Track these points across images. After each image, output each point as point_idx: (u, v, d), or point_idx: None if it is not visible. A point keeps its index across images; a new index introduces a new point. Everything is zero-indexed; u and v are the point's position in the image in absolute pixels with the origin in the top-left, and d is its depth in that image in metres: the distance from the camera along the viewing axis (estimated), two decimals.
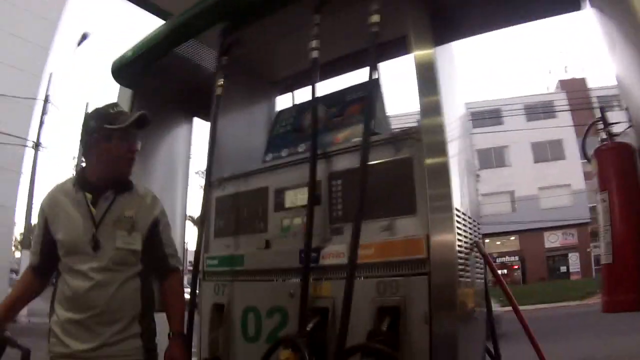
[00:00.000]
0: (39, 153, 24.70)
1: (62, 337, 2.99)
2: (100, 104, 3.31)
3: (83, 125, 3.22)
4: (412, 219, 2.80)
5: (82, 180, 3.21)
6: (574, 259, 44.48)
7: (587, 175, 41.48)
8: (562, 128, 42.77)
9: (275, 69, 4.75)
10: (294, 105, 4.43)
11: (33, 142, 24.57)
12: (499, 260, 43.14)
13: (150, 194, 3.41)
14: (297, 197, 3.34)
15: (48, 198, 3.26)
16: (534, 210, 43.08)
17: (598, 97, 38.20)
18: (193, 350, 3.53)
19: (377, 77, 3.41)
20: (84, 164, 3.33)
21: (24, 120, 25.69)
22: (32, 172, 24.49)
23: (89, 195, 3.14)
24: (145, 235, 3.23)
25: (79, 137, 3.24)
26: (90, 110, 3.34)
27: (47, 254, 3.19)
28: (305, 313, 2.96)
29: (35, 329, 15.12)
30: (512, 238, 45.89)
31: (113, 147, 3.14)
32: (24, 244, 22.96)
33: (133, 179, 3.39)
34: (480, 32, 3.80)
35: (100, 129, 3.13)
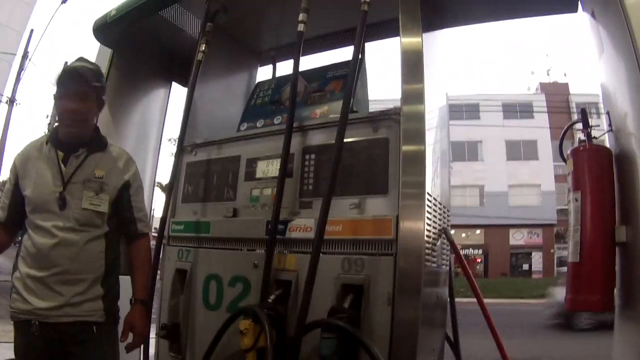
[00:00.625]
0: (13, 109, 24.26)
1: (23, 293, 2.95)
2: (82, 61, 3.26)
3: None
4: (383, 199, 2.79)
5: (54, 137, 3.16)
6: (537, 258, 44.97)
7: (557, 178, 41.92)
8: (537, 129, 43.15)
9: (258, 39, 4.72)
10: (274, 77, 4.39)
11: (8, 97, 24.12)
12: (462, 252, 43.20)
13: (124, 155, 3.34)
14: (269, 168, 3.33)
15: (21, 154, 3.22)
16: (502, 207, 43.47)
17: (577, 103, 38.65)
18: (153, 316, 3.50)
19: (361, 56, 3.38)
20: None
21: (0, 76, 25.34)
22: (4, 129, 24.06)
23: (60, 153, 3.10)
24: (114, 197, 3.18)
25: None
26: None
27: (15, 209, 3.15)
28: (268, 285, 2.96)
29: None
30: (478, 232, 46.23)
31: (58, 107, 3.13)
32: None
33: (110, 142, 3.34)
34: (471, 23, 3.80)
35: (56, 87, 3.12)
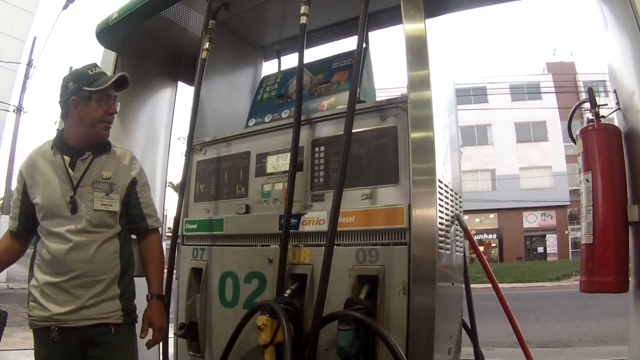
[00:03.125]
0: (21, 117, 24.34)
1: (41, 300, 2.97)
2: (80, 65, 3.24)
3: (62, 87, 3.15)
4: (394, 188, 2.78)
5: (60, 142, 3.16)
6: (551, 241, 44.84)
7: (568, 158, 41.81)
8: (546, 110, 42.97)
9: (262, 34, 4.70)
10: (280, 71, 4.39)
11: (15, 106, 24.21)
12: (477, 237, 43.34)
13: (128, 154, 3.36)
14: (279, 163, 3.33)
15: (26, 162, 3.22)
16: (514, 190, 43.38)
17: (584, 81, 38.42)
18: (170, 315, 3.52)
19: (365, 45, 3.37)
20: (62, 126, 3.27)
21: (6, 85, 25.46)
22: (13, 137, 24.14)
23: (67, 158, 3.10)
24: (124, 195, 3.20)
25: (58, 99, 3.18)
26: (69, 71, 3.25)
27: (26, 218, 3.17)
28: (284, 279, 2.97)
29: (13, 294, 15.08)
30: (491, 216, 46.18)
31: (92, 109, 3.08)
32: (5, 209, 22.57)
33: (114, 142, 3.34)
34: (474, 6, 3.75)
35: (79, 90, 3.07)
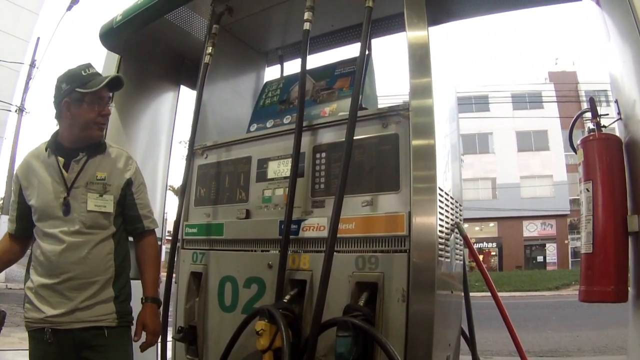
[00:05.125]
0: (23, 118, 24.31)
1: (35, 302, 2.98)
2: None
3: (55, 88, 3.12)
4: (395, 195, 2.78)
5: (54, 144, 3.16)
6: (551, 250, 44.80)
7: (569, 168, 41.81)
8: (548, 119, 42.99)
9: (265, 39, 4.71)
10: (282, 77, 4.39)
11: (17, 106, 24.19)
12: (477, 245, 43.33)
13: (124, 154, 3.34)
14: (280, 168, 3.33)
15: (22, 164, 3.24)
16: (515, 199, 43.36)
17: (586, 91, 38.48)
18: (169, 319, 3.52)
19: (368, 52, 3.38)
20: (57, 127, 3.26)
21: (8, 85, 25.48)
22: (15, 137, 24.13)
23: (61, 159, 3.10)
24: (118, 196, 3.19)
25: (52, 100, 3.15)
26: (62, 72, 3.23)
27: (23, 220, 3.18)
28: (283, 285, 2.96)
29: (11, 295, 15.06)
30: (491, 225, 46.16)
31: (84, 111, 3.06)
32: (5, 209, 22.55)
33: (111, 142, 3.34)
34: (477, 15, 3.76)
35: (71, 92, 3.05)
